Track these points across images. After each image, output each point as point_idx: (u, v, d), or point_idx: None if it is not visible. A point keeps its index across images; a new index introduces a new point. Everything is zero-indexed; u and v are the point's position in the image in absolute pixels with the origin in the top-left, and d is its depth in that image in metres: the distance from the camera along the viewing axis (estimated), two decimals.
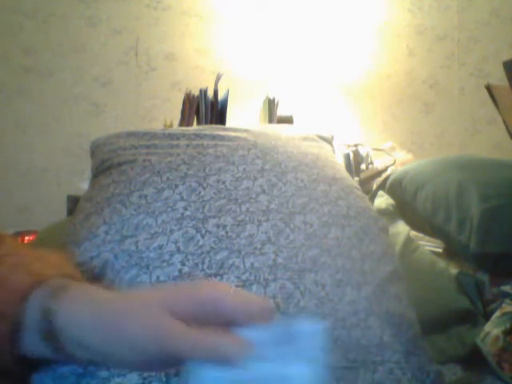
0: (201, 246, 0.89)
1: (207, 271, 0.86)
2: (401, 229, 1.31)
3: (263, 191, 1.01)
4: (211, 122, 1.76)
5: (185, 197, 0.98)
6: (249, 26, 2.28)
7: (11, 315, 0.45)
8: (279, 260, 0.88)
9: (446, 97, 2.41)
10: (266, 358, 0.40)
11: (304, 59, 2.27)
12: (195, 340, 0.40)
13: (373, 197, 1.48)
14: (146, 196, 0.99)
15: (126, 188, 1.01)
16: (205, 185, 1.01)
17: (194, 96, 1.77)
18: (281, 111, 1.93)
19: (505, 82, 1.57)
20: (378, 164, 1.84)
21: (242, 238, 0.91)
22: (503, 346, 0.96)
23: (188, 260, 0.87)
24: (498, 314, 1.02)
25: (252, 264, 0.87)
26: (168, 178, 1.02)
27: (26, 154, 2.20)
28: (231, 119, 1.88)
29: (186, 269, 0.86)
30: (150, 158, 1.09)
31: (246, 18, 2.28)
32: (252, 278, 0.86)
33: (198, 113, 1.77)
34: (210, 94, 1.78)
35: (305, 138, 1.27)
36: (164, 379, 0.75)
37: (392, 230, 1.25)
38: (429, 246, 1.31)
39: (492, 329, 0.99)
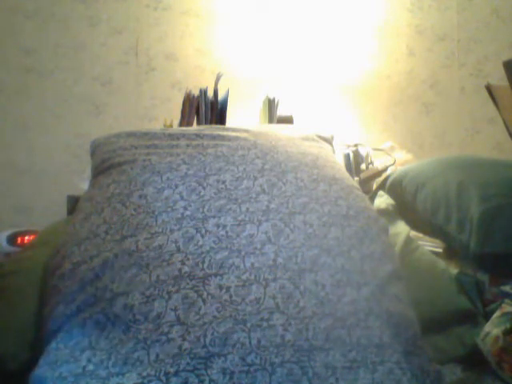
0: (201, 246, 0.89)
1: (207, 271, 0.86)
2: (401, 229, 1.31)
3: (263, 191, 1.01)
4: (211, 122, 1.76)
5: (185, 196, 0.98)
6: (249, 26, 2.28)
7: None
8: (279, 260, 0.88)
9: (446, 97, 2.41)
10: None
11: (304, 59, 2.27)
12: None
13: (373, 197, 1.48)
14: (146, 196, 0.99)
15: (126, 188, 1.01)
16: (205, 184, 1.01)
17: (194, 96, 1.78)
18: (281, 111, 1.93)
19: (505, 82, 1.57)
20: (378, 164, 1.83)
21: (241, 237, 0.91)
22: (503, 346, 0.96)
23: (188, 260, 0.87)
24: (498, 313, 1.02)
25: (252, 264, 0.87)
26: (168, 178, 1.02)
27: (26, 154, 2.20)
28: (231, 119, 1.88)
29: (185, 268, 0.86)
30: (150, 157, 1.09)
31: (246, 18, 2.28)
32: (252, 277, 0.85)
33: (198, 113, 1.77)
34: (210, 94, 1.78)
35: (305, 138, 1.27)
36: (164, 379, 0.74)
37: (392, 229, 1.25)
38: (429, 245, 1.30)
39: (492, 329, 0.99)
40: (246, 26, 2.28)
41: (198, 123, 1.78)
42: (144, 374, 0.75)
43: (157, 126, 2.14)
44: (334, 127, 2.01)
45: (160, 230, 0.92)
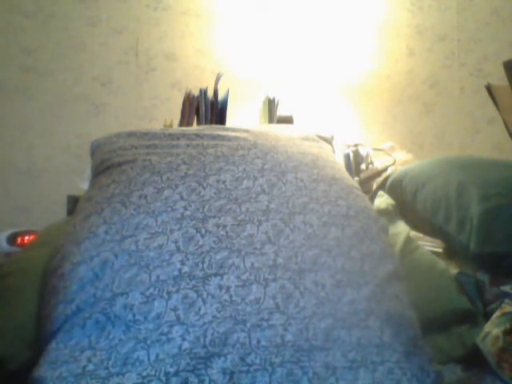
0: (201, 246, 0.89)
1: (207, 271, 0.86)
2: (401, 229, 1.31)
3: (263, 191, 1.01)
4: (211, 122, 1.76)
5: (185, 196, 0.98)
6: (249, 26, 2.28)
7: None
8: (279, 260, 0.88)
9: (446, 97, 2.41)
10: None
11: (304, 59, 2.27)
12: None
13: (373, 197, 1.48)
14: (145, 196, 0.99)
15: (126, 188, 1.01)
16: (205, 185, 1.01)
17: (193, 96, 1.78)
18: (281, 111, 1.93)
19: (505, 82, 1.57)
20: (378, 164, 1.84)
21: (241, 237, 0.91)
22: (503, 346, 0.96)
23: (188, 260, 0.87)
24: (498, 313, 1.02)
25: (252, 264, 0.87)
26: (168, 178, 1.02)
27: (26, 154, 2.20)
28: (231, 119, 1.88)
29: (185, 268, 0.86)
30: (150, 157, 1.09)
31: (246, 18, 2.28)
32: (252, 277, 0.86)
33: (198, 113, 1.77)
34: (210, 94, 1.78)
35: (305, 138, 1.27)
36: (164, 379, 0.74)
37: (392, 230, 1.25)
38: (429, 245, 1.30)
39: (492, 329, 0.99)
40: (246, 25, 2.28)
41: (198, 123, 1.78)
42: (144, 373, 0.75)
43: (157, 126, 2.14)
44: (334, 127, 2.01)
45: (160, 230, 0.92)
